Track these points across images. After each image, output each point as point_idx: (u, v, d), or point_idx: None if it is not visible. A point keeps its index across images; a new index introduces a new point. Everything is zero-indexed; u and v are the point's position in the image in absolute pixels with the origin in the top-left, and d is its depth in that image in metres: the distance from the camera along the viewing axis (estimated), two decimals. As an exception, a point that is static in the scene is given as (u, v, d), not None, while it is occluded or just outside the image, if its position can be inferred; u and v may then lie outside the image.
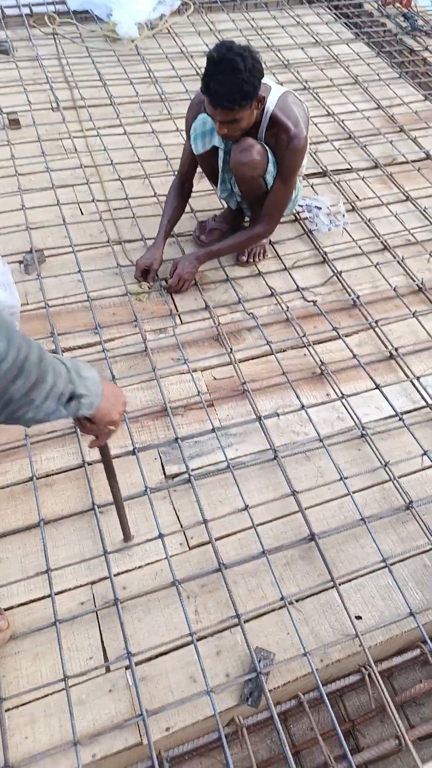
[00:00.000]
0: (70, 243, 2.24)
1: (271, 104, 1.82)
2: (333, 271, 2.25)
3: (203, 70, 1.67)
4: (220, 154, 1.97)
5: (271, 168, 1.92)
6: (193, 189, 2.20)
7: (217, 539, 1.52)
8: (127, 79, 3.15)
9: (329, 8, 4.10)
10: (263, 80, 1.83)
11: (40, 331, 1.97)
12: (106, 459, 1.27)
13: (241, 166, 1.89)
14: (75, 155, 2.65)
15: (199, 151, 1.97)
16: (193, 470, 1.66)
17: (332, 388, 1.89)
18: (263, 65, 1.71)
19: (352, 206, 2.53)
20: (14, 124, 2.78)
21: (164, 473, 1.67)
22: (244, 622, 1.39)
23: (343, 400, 1.84)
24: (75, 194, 2.48)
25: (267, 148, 1.89)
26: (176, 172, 2.17)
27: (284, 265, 2.27)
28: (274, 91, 1.83)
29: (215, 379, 1.92)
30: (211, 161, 2.04)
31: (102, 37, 3.51)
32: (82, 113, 2.90)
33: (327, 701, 1.27)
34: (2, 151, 2.63)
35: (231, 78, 1.61)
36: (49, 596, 1.40)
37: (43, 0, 3.76)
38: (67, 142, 2.72)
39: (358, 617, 1.44)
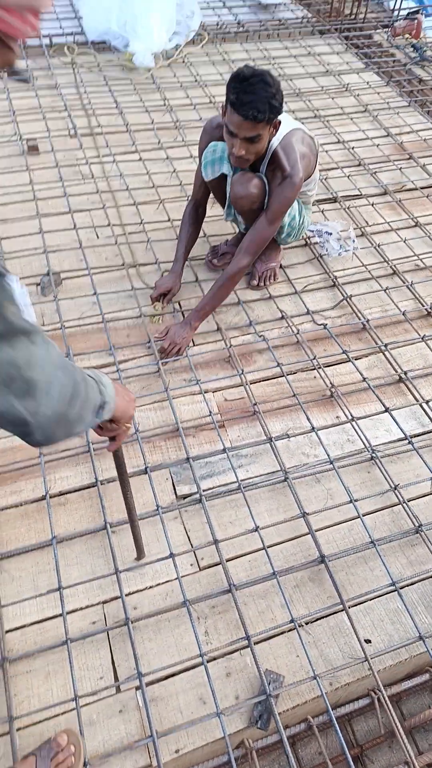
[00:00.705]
0: (86, 266, 2.30)
1: (276, 141, 1.87)
2: (343, 295, 2.28)
3: (230, 87, 1.70)
4: (229, 180, 2.02)
5: (267, 205, 1.96)
6: (206, 214, 2.26)
7: (227, 560, 1.54)
8: (143, 107, 3.25)
9: (340, 39, 4.21)
10: None
11: (55, 352, 2.02)
12: (120, 464, 1.29)
13: (240, 199, 1.93)
14: (92, 181, 2.72)
15: (208, 177, 2.02)
16: (204, 491, 1.68)
17: (342, 410, 1.91)
18: None
19: (362, 232, 2.58)
20: (33, 150, 2.86)
21: (175, 493, 1.69)
22: (254, 644, 1.40)
23: (353, 423, 1.86)
24: (91, 218, 2.54)
25: (265, 181, 1.93)
26: (189, 198, 2.23)
27: (295, 289, 2.31)
28: (284, 126, 1.88)
29: (226, 400, 1.95)
30: (221, 187, 2.09)
31: (119, 67, 3.63)
32: (98, 140, 2.98)
33: (336, 725, 1.27)
34: (21, 177, 2.71)
35: (262, 90, 1.66)
36: (60, 615, 1.42)
37: (63, 31, 3.91)
38: (84, 168, 2.80)
39: (368, 641, 1.44)
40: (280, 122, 1.81)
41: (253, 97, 1.66)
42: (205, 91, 3.43)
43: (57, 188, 2.66)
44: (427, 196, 2.81)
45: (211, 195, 2.18)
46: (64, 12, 4.17)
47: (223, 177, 2.03)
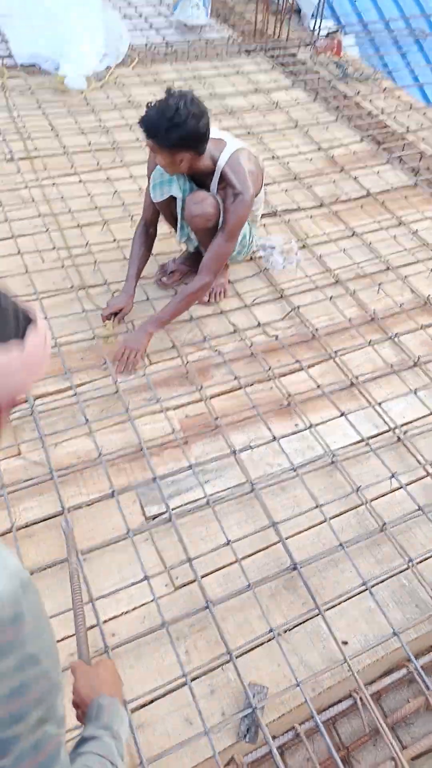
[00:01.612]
0: (34, 291, 2.26)
1: (222, 161, 1.91)
2: (291, 307, 2.35)
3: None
4: (179, 202, 2.06)
5: (221, 223, 2.01)
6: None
7: (202, 576, 1.54)
8: (79, 129, 3.25)
9: (266, 57, 4.35)
10: (220, 135, 1.94)
11: (8, 381, 1.97)
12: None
13: (195, 218, 1.97)
14: (33, 204, 2.69)
15: (157, 199, 2.05)
16: (173, 509, 1.68)
17: (300, 418, 1.96)
18: (208, 115, 1.80)
19: (303, 244, 2.67)
20: (-32, 175, 2.81)
21: (144, 514, 1.68)
22: (236, 657, 1.40)
23: (312, 429, 1.91)
24: (35, 243, 2.51)
25: (219, 200, 1.98)
26: (139, 218, 2.23)
27: (245, 303, 2.36)
28: (229, 147, 1.93)
29: (188, 416, 1.96)
30: (169, 208, 2.12)
31: (51, 89, 3.61)
32: (36, 163, 2.96)
33: (323, 730, 1.30)
34: (-42, 203, 2.64)
35: (157, 119, 1.71)
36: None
37: (-10, 54, 3.86)
38: (24, 192, 2.76)
39: (345, 642, 1.48)
40: (199, 150, 1.83)
41: (149, 125, 1.72)
42: (139, 111, 3.43)
43: (-3, 213, 2.61)
44: (361, 207, 2.94)
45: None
46: (-11, 35, 4.12)
47: (172, 199, 2.06)
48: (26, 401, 1.90)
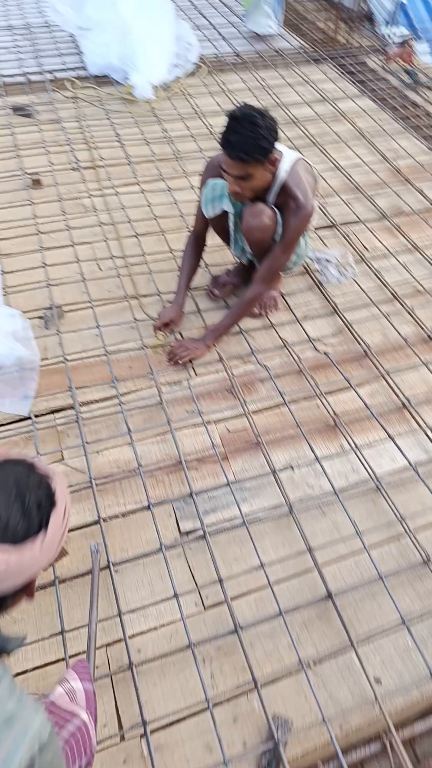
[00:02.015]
0: (88, 298, 2.31)
1: (283, 172, 1.89)
2: (343, 322, 2.28)
3: (224, 128, 1.75)
4: (231, 217, 2.05)
5: (280, 231, 1.98)
6: (206, 244, 2.27)
7: (232, 598, 1.51)
8: (143, 139, 3.30)
9: (335, 66, 4.27)
10: (277, 146, 1.92)
11: (58, 386, 2.02)
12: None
13: (253, 230, 1.96)
14: (94, 213, 2.75)
15: (209, 215, 2.05)
16: (207, 526, 1.66)
17: (346, 439, 1.89)
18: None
19: (361, 257, 2.59)
20: (36, 184, 2.91)
21: (179, 529, 1.67)
22: (261, 686, 1.36)
23: (357, 452, 1.84)
24: (93, 251, 2.57)
25: (277, 211, 1.96)
26: (191, 229, 2.25)
27: (295, 317, 2.31)
28: (287, 158, 1.90)
29: (229, 431, 1.93)
30: (221, 223, 2.11)
31: (119, 100, 3.70)
32: (100, 173, 3.03)
33: (347, 773, 1.23)
34: (25, 211, 2.74)
35: (249, 131, 1.70)
36: (63, 659, 1.39)
37: (65, 66, 4.00)
38: (86, 200, 2.83)
39: (378, 680, 1.40)
40: (278, 158, 1.83)
41: (239, 138, 1.69)
42: (204, 121, 3.48)
43: (59, 221, 2.69)
44: (424, 220, 2.82)
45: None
46: (66, 48, 4.27)
47: (224, 214, 2.05)
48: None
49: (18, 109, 3.53)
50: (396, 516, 1.68)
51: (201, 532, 1.64)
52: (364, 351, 2.18)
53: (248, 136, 1.71)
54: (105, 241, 2.61)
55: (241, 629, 1.44)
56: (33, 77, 3.88)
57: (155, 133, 3.38)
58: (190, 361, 2.10)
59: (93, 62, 3.95)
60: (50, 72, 3.92)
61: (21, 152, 3.12)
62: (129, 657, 1.38)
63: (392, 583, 1.55)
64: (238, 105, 1.79)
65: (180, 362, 2.08)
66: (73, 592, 1.52)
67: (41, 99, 3.67)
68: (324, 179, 3.03)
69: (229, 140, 1.73)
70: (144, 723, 1.29)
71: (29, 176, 2.92)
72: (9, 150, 3.14)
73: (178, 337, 2.22)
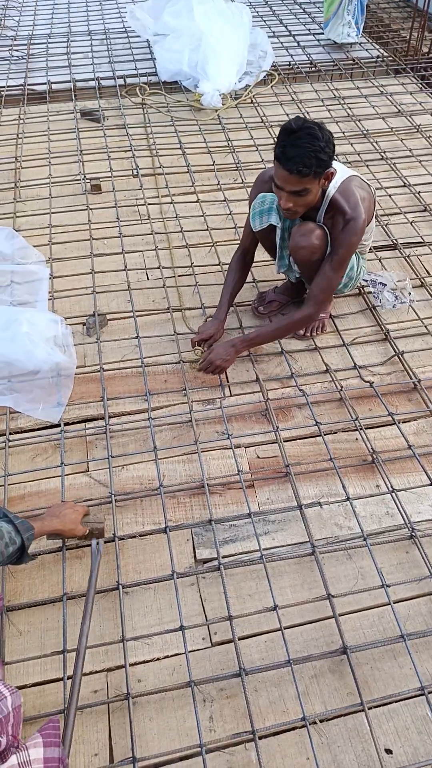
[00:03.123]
0: (131, 308, 2.30)
1: (333, 188, 1.81)
2: (395, 351, 2.15)
3: (277, 140, 1.69)
4: (278, 231, 1.98)
5: (330, 251, 1.89)
6: (255, 259, 2.21)
7: (240, 638, 1.44)
8: (206, 147, 3.27)
9: (415, 78, 4.10)
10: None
11: (92, 394, 2.02)
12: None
13: (301, 249, 1.88)
14: (148, 221, 2.75)
15: (256, 228, 1.99)
16: (224, 557, 1.59)
17: (383, 479, 1.77)
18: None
19: (421, 282, 2.44)
20: (96, 189, 2.94)
21: (195, 557, 1.61)
22: (260, 738, 1.28)
23: (394, 495, 1.72)
24: (143, 259, 2.56)
25: (326, 231, 1.87)
26: (239, 243, 2.19)
27: (343, 341, 2.21)
28: (339, 174, 1.82)
29: (258, 457, 1.86)
30: (269, 238, 2.04)
31: (186, 107, 3.69)
32: (159, 180, 3.02)
33: None
34: (81, 216, 2.77)
35: (309, 143, 1.63)
36: (61, 679, 1.37)
37: (137, 72, 4.04)
38: (142, 208, 2.83)
39: (389, 751, 1.29)
40: (333, 173, 1.75)
41: (299, 151, 1.62)
42: (270, 131, 3.42)
43: (113, 228, 2.70)
44: None
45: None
46: (140, 54, 4.32)
47: (272, 228, 1.98)
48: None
49: (86, 114, 3.59)
50: (429, 571, 1.55)
51: (217, 563, 1.57)
52: (414, 384, 2.04)
53: (308, 149, 1.64)
54: (155, 250, 2.59)
55: (246, 673, 1.36)
56: (105, 82, 3.94)
57: (219, 142, 3.35)
58: (218, 370, 2.01)
59: (164, 68, 3.96)
60: (121, 77, 3.96)
61: (84, 157, 3.16)
62: (128, 686, 1.34)
63: (416, 644, 1.43)
64: (292, 118, 1.71)
65: (214, 373, 2.01)
66: (79, 610, 1.49)
67: (110, 104, 3.72)
68: (390, 197, 2.90)
69: (288, 154, 1.66)
70: (134, 759, 1.24)
71: (89, 181, 2.95)
72: (73, 154, 3.19)
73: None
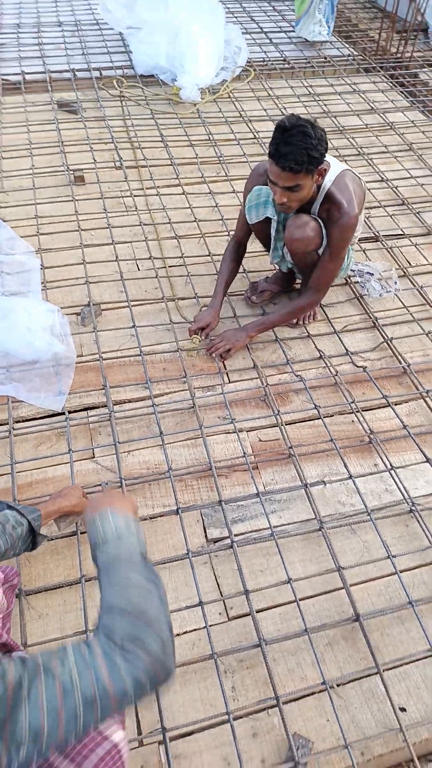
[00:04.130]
0: (126, 298, 2.32)
1: (328, 181, 1.87)
2: (383, 337, 2.24)
3: (272, 138, 1.73)
4: (273, 224, 2.04)
5: (325, 243, 1.96)
6: (246, 250, 2.26)
7: (257, 611, 1.49)
8: (188, 141, 3.30)
9: (385, 77, 4.23)
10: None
11: (93, 383, 2.03)
12: None
13: (296, 241, 1.94)
14: (135, 213, 2.76)
15: (252, 221, 2.04)
16: (235, 535, 1.64)
17: (381, 458, 1.85)
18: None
19: (404, 272, 2.54)
20: (79, 180, 2.93)
21: (206, 536, 1.65)
22: (283, 704, 1.34)
23: (392, 472, 1.80)
24: (133, 250, 2.57)
25: (321, 223, 1.93)
26: (231, 234, 2.24)
27: (334, 329, 2.28)
28: (333, 168, 1.89)
29: (261, 440, 1.91)
30: (264, 230, 2.10)
31: (165, 101, 3.70)
32: (143, 172, 3.04)
33: (368, 803, 1.20)
34: (67, 207, 2.76)
35: (301, 141, 1.68)
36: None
37: (113, 64, 4.03)
38: (128, 199, 2.84)
39: (403, 709, 1.37)
40: (327, 168, 1.82)
41: (292, 148, 1.67)
42: (249, 126, 3.47)
43: (101, 219, 2.70)
44: (471, 238, 2.77)
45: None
46: (114, 46, 4.30)
47: (267, 220, 2.04)
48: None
49: (64, 105, 3.56)
50: (430, 542, 1.64)
51: (228, 541, 1.62)
52: (404, 369, 2.14)
53: (300, 147, 1.69)
54: (145, 241, 2.61)
55: (266, 643, 1.42)
56: (80, 74, 3.91)
57: (200, 135, 3.38)
58: (228, 351, 2.09)
59: (141, 62, 3.96)
60: (97, 69, 3.94)
61: (66, 149, 3.14)
62: (151, 663, 1.37)
63: (423, 610, 1.51)
64: (286, 115, 1.76)
65: (222, 355, 2.09)
66: (97, 592, 1.51)
67: (87, 96, 3.70)
68: (370, 191, 2.99)
69: (281, 151, 1.71)
70: (164, 730, 1.28)
71: (72, 173, 2.94)
72: (54, 145, 3.17)
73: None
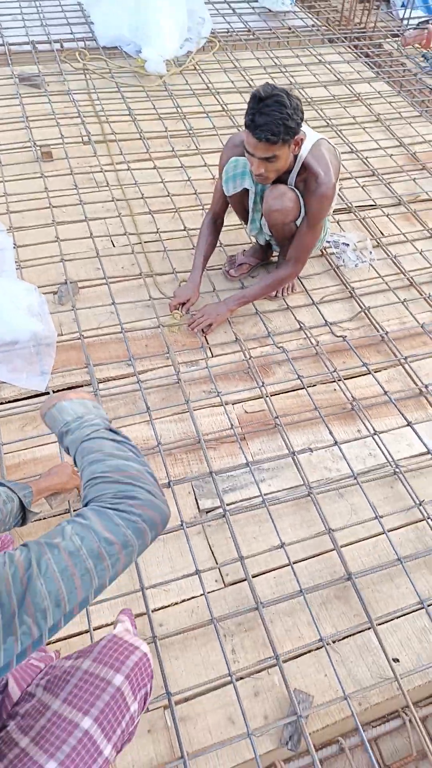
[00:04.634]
0: (103, 275, 2.29)
1: (305, 151, 1.87)
2: (361, 307, 2.28)
3: (247, 108, 1.71)
4: (251, 195, 2.03)
5: (302, 214, 1.97)
6: (224, 224, 2.25)
7: (253, 576, 1.53)
8: (156, 114, 3.24)
9: (350, 48, 4.21)
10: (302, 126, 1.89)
11: (75, 362, 2.01)
12: None
13: (274, 212, 1.94)
14: (107, 188, 2.71)
15: (230, 192, 2.03)
16: (227, 505, 1.67)
17: (363, 424, 1.90)
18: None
19: (378, 242, 2.58)
20: (47, 156, 2.85)
21: (198, 507, 1.67)
22: (282, 662, 1.38)
23: (375, 437, 1.85)
24: (107, 227, 2.53)
25: (298, 194, 1.94)
26: (207, 209, 2.23)
27: (312, 300, 2.31)
28: (309, 138, 1.88)
29: (247, 412, 1.94)
30: (241, 201, 2.09)
31: (131, 73, 3.62)
32: (112, 147, 2.98)
33: (368, 747, 1.26)
34: (36, 184, 2.69)
35: (277, 111, 1.66)
36: (87, 632, 1.40)
37: (73, 36, 3.90)
38: (98, 175, 2.79)
39: (396, 660, 1.43)
40: (303, 138, 1.81)
41: (267, 119, 1.66)
42: (217, 98, 3.43)
43: (72, 195, 2.65)
44: (441, 207, 2.82)
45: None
46: (74, 17, 4.16)
47: (245, 192, 2.03)
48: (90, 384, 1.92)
49: (25, 79, 3.44)
50: (414, 501, 1.70)
51: (221, 511, 1.64)
52: (381, 337, 2.18)
53: (276, 117, 1.68)
54: (119, 217, 2.57)
55: (263, 606, 1.46)
56: (40, 47, 3.78)
57: (168, 108, 3.32)
58: (209, 326, 2.10)
59: (103, 33, 3.85)
60: (58, 41, 3.82)
61: (31, 123, 3.05)
62: (152, 630, 1.40)
63: (410, 566, 1.57)
64: (261, 85, 1.74)
65: (203, 330, 2.09)
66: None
67: (49, 69, 3.58)
68: (341, 162, 3.00)
69: (256, 121, 1.69)
70: (168, 694, 1.31)
71: (39, 148, 2.86)
72: (18, 121, 3.07)
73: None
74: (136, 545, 0.74)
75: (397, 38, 4.38)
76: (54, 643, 1.40)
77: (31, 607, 0.64)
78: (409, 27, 4.40)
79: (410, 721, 1.32)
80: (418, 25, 4.27)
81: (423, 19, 4.36)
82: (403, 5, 4.55)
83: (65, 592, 0.66)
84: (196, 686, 1.34)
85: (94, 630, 1.40)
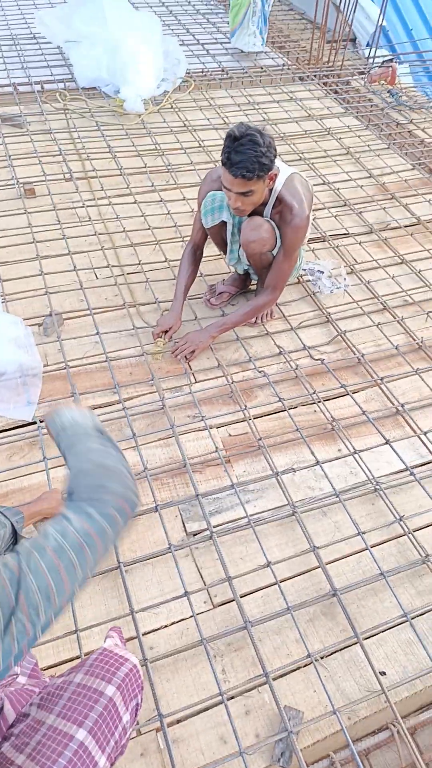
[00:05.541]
0: (87, 306, 2.35)
1: (279, 184, 1.97)
2: (337, 331, 2.36)
3: (223, 146, 1.81)
4: (229, 227, 2.13)
5: (278, 244, 2.06)
6: (203, 254, 2.34)
7: (241, 596, 1.56)
8: (135, 151, 3.36)
9: (320, 85, 4.42)
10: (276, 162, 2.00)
11: (61, 391, 2.05)
12: None
13: (251, 243, 2.03)
14: (89, 223, 2.80)
15: (208, 225, 2.12)
16: (214, 527, 1.70)
17: (344, 443, 1.96)
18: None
19: (351, 269, 2.68)
20: (30, 193, 2.94)
21: (185, 530, 1.71)
22: (272, 680, 1.41)
23: (355, 455, 1.91)
24: (90, 260, 2.61)
25: (274, 225, 2.04)
26: (188, 240, 2.31)
27: (290, 326, 2.39)
28: (283, 173, 1.99)
29: (231, 435, 1.99)
30: (219, 233, 2.18)
31: (110, 112, 3.75)
32: (93, 183, 3.07)
33: (359, 761, 1.28)
34: (20, 220, 2.77)
35: (251, 150, 1.76)
36: (78, 657, 1.42)
37: (54, 78, 4.04)
38: (81, 210, 2.87)
39: (383, 673, 1.46)
40: (277, 173, 1.92)
41: (243, 157, 1.76)
42: (194, 135, 3.56)
43: (55, 230, 2.72)
44: (410, 234, 2.94)
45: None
46: (54, 59, 4.32)
47: (223, 224, 2.13)
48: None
49: (7, 120, 3.55)
50: (395, 516, 1.75)
51: (208, 533, 1.68)
52: (358, 359, 2.26)
53: (251, 155, 1.78)
54: (101, 250, 2.65)
55: (252, 625, 1.48)
56: (21, 88, 3.91)
57: (147, 145, 3.45)
58: (192, 353, 2.16)
59: (82, 75, 3.99)
60: (38, 83, 3.95)
61: (13, 162, 3.14)
62: (143, 653, 1.42)
63: (393, 580, 1.62)
64: (236, 125, 1.85)
65: (187, 356, 2.15)
66: (83, 593, 1.54)
67: (31, 110, 3.70)
68: (314, 194, 3.13)
69: (232, 160, 1.79)
70: (161, 716, 1.32)
71: (22, 186, 2.94)
72: (1, 159, 3.17)
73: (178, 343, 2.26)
74: (110, 534, 0.81)
75: (363, 76, 4.60)
76: (47, 669, 1.41)
77: (24, 605, 0.69)
78: (374, 65, 4.63)
79: (398, 732, 1.35)
80: (382, 63, 4.51)
81: (387, 58, 4.60)
82: (368, 45, 4.79)
83: (54, 587, 0.72)
84: (187, 707, 1.36)
85: (85, 655, 1.42)
